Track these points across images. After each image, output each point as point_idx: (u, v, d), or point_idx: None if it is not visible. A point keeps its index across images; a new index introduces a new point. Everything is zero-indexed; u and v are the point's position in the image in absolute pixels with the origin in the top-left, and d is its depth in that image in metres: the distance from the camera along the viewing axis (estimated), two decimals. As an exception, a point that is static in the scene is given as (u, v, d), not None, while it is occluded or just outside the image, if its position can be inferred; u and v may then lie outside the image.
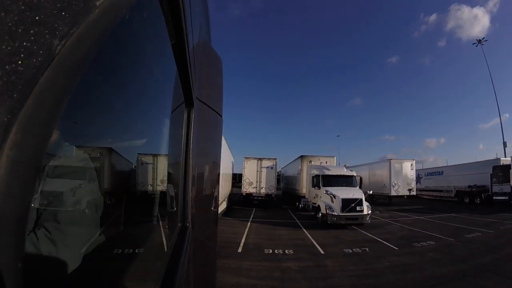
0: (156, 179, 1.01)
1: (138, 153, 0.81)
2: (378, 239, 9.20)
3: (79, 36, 0.24)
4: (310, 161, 16.79)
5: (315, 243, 8.86)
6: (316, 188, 13.17)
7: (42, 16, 0.21)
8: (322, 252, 7.91)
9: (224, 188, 13.16)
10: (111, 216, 0.64)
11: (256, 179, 17.59)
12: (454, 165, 23.92)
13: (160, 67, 0.80)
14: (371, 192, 14.24)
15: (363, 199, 11.35)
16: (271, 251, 7.92)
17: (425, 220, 12.93)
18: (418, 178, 25.86)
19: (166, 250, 0.86)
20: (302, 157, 17.53)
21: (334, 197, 11.50)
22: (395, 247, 8.12)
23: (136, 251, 0.76)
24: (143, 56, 0.64)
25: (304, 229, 10.87)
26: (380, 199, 20.55)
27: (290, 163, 21.11)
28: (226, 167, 13.95)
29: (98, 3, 0.26)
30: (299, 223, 12.31)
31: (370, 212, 11.40)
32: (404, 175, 20.29)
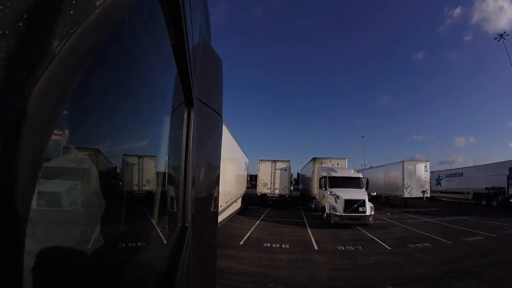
0: (156, 179, 1.01)
1: (138, 153, 0.81)
2: (376, 239, 9.43)
3: (79, 36, 0.24)
4: (321, 163, 17.30)
5: (313, 240, 9.35)
6: (323, 189, 13.63)
7: (42, 16, 0.21)
8: (316, 248, 8.45)
9: (238, 188, 13.21)
10: (111, 216, 0.64)
11: (271, 180, 18.46)
12: (474, 166, 23.41)
13: (160, 67, 0.80)
14: (374, 193, 14.29)
15: (366, 200, 11.59)
16: (269, 244, 8.65)
17: (433, 222, 12.86)
18: (439, 180, 25.90)
19: (166, 250, 0.86)
20: (314, 159, 18.25)
21: (338, 198, 11.84)
22: (388, 247, 8.37)
23: (136, 251, 0.76)
24: (143, 56, 0.64)
25: (308, 228, 11.34)
26: (396, 201, 20.39)
27: (306, 165, 21.69)
28: (239, 168, 14.12)
29: (98, 3, 0.26)
30: (306, 222, 12.73)
31: (373, 213, 11.59)
32: (418, 177, 19.89)
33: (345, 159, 17.90)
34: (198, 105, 1.08)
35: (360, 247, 8.42)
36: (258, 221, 12.87)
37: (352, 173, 13.96)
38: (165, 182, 1.03)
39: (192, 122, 1.04)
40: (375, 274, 6.11)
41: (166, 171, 1.03)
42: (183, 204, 0.99)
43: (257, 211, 15.69)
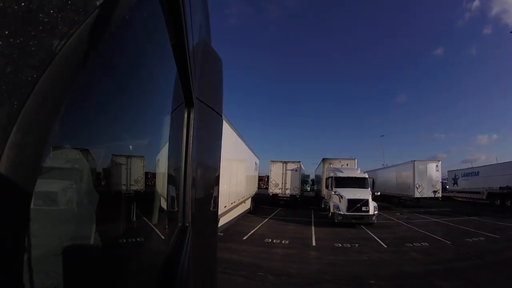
0: (156, 179, 1.01)
1: (138, 153, 0.81)
2: (376, 237, 9.62)
3: (79, 36, 0.24)
4: (330, 164, 17.71)
5: (313, 237, 9.71)
6: (329, 189, 14.07)
7: (42, 16, 0.21)
8: (313, 244, 8.85)
9: (246, 188, 13.22)
10: (111, 216, 0.63)
11: (282, 181, 18.99)
12: (490, 165, 22.82)
13: (160, 67, 0.80)
14: (378, 193, 14.42)
15: (369, 200, 11.78)
16: (270, 240, 9.17)
17: (440, 222, 12.80)
18: (456, 179, 25.49)
19: (166, 250, 0.86)
20: (323, 160, 18.74)
21: (342, 197, 12.18)
22: (385, 246, 8.57)
23: (136, 251, 0.76)
24: (143, 56, 0.64)
25: (313, 226, 11.70)
26: (408, 201, 20.12)
27: (318, 165, 22.17)
28: (248, 168, 14.14)
29: (98, 3, 0.26)
30: (312, 221, 13.11)
31: (376, 212, 11.80)
32: (429, 177, 19.62)
33: (354, 159, 18.13)
34: (198, 105, 1.08)
35: (357, 245, 8.63)
36: (266, 219, 13.36)
37: (358, 173, 14.15)
38: (165, 182, 1.03)
39: (192, 122, 1.04)
40: (363, 270, 6.36)
41: (166, 171, 1.03)
42: (183, 204, 0.99)
43: (268, 210, 16.16)
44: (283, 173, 18.97)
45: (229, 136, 9.02)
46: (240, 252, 7.49)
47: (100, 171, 0.56)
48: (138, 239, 0.82)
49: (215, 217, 1.39)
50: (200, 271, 1.10)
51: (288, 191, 18.76)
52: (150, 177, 0.96)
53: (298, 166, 19.02)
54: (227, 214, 9.50)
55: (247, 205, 14.39)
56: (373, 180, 14.98)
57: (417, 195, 19.34)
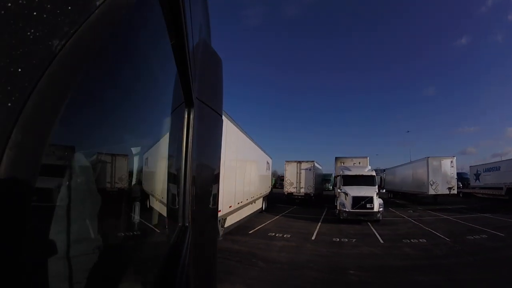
0: (156, 179, 1.01)
1: (138, 153, 0.81)
2: (377, 233, 9.88)
3: (79, 36, 0.24)
4: (343, 162, 18.02)
5: (315, 233, 10.20)
6: (337, 187, 14.69)
7: (42, 16, 0.21)
8: (313, 238, 9.35)
9: (257, 188, 13.19)
10: (111, 216, 0.64)
11: (296, 180, 19.73)
12: (510, 159, 21.36)
13: (160, 67, 0.80)
14: (383, 190, 14.55)
15: (374, 197, 12.08)
16: (274, 234, 9.85)
17: (449, 220, 12.74)
18: (477, 175, 24.30)
19: (166, 249, 0.86)
20: (336, 158, 19.07)
21: (347, 195, 12.63)
22: (381, 241, 8.83)
23: (136, 250, 0.76)
24: (143, 56, 0.64)
25: (319, 223, 12.26)
26: (424, 199, 19.91)
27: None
28: (259, 168, 14.20)
29: (98, 3, 0.26)
30: (321, 218, 13.54)
31: (381, 209, 12.08)
32: (444, 173, 19.07)
33: (366, 157, 18.31)
34: (198, 105, 1.08)
35: (354, 240, 8.99)
36: (277, 216, 14.07)
37: (365, 172, 14.48)
38: (165, 181, 1.03)
39: (192, 122, 1.04)
40: (349, 261, 6.75)
41: (166, 171, 1.03)
42: (183, 203, 0.99)
43: (282, 208, 16.86)
44: (297, 173, 19.62)
45: (233, 136, 8.86)
46: (242, 243, 8.17)
47: (101, 171, 0.56)
48: (138, 239, 0.82)
49: (215, 216, 1.39)
50: (200, 271, 1.10)
51: (302, 190, 19.42)
52: (150, 177, 0.96)
53: (312, 165, 19.60)
54: (234, 214, 9.38)
55: (258, 204, 14.31)
56: (381, 178, 15.29)
57: (431, 192, 18.97)
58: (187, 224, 1.00)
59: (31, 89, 0.20)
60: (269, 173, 18.46)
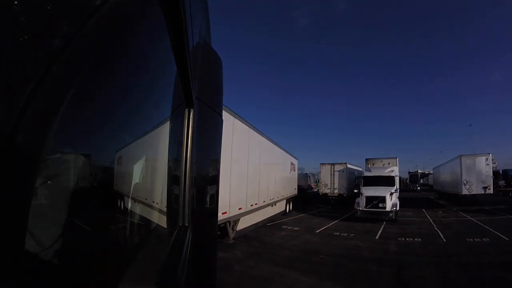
0: (156, 179, 1.01)
1: (138, 153, 0.81)
2: (379, 231, 10.64)
3: (78, 36, 0.24)
4: (373, 164, 18.59)
5: (324, 227, 11.44)
6: (358, 188, 15.53)
7: (42, 16, 0.21)
8: (317, 232, 10.66)
9: (279, 190, 13.04)
10: (111, 217, 0.63)
11: (330, 181, 20.93)
12: None
13: (160, 67, 0.80)
14: (393, 191, 14.74)
15: (386, 197, 12.94)
16: (286, 227, 11.55)
17: (469, 221, 12.56)
18: None
19: (166, 250, 0.86)
20: (366, 160, 19.72)
21: (361, 195, 13.75)
22: (376, 238, 9.65)
23: (136, 251, 0.76)
24: (142, 56, 0.64)
25: (336, 220, 13.39)
26: (464, 199, 18.76)
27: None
28: (283, 169, 14.22)
29: (98, 3, 0.26)
30: (343, 217, 14.40)
31: (395, 209, 12.77)
32: (478, 172, 17.95)
33: (395, 158, 18.53)
34: (198, 105, 1.08)
35: (353, 235, 9.97)
36: (303, 214, 15.43)
37: (385, 172, 15.30)
38: (165, 182, 1.03)
39: (192, 122, 1.04)
40: (327, 248, 8.08)
41: (166, 171, 1.03)
42: (183, 204, 0.99)
43: (314, 208, 18.19)
44: (331, 174, 20.76)
45: (243, 135, 8.50)
46: (256, 231, 9.82)
47: (100, 171, 0.56)
48: (138, 239, 0.82)
49: (215, 217, 1.39)
50: (200, 271, 1.10)
51: (336, 191, 20.43)
52: (150, 177, 0.96)
53: (345, 167, 20.44)
54: (247, 217, 9.04)
55: (280, 207, 14.00)
56: (400, 178, 15.60)
57: (464, 192, 18.21)
58: (187, 224, 1.00)
59: (31, 89, 0.20)
60: (295, 174, 18.24)
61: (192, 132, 1.03)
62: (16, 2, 0.19)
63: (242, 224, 8.97)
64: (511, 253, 6.95)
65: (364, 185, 14.50)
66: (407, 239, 9.29)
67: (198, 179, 1.10)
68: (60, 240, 0.39)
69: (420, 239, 9.14)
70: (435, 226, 11.39)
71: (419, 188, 42.70)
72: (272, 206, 12.14)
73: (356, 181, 16.60)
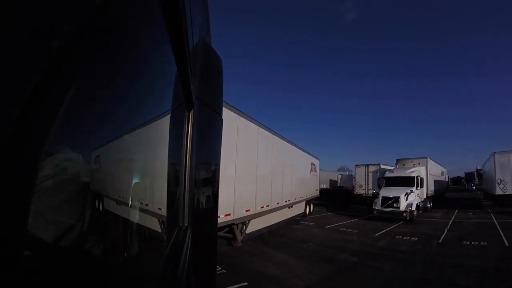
0: (156, 179, 1.01)
1: (138, 154, 0.81)
2: (384, 230, 11.27)
3: (79, 36, 0.24)
4: (403, 164, 18.86)
5: (336, 224, 12.69)
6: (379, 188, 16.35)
7: (42, 16, 0.21)
8: (327, 227, 11.97)
9: (299, 191, 12.84)
10: (111, 217, 0.63)
11: (365, 182, 21.72)
12: None
13: (160, 67, 0.80)
14: (409, 191, 14.68)
15: (401, 197, 13.39)
16: (304, 222, 13.25)
17: (488, 224, 12.04)
18: None
19: (165, 250, 0.86)
20: (397, 160, 20.11)
21: (378, 195, 14.59)
22: (375, 235, 10.32)
23: (136, 251, 0.76)
24: (142, 56, 0.64)
25: (354, 219, 14.38)
26: (507, 199, 16.83)
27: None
28: (302, 170, 13.99)
29: (98, 3, 0.26)
30: (364, 216, 15.15)
31: (410, 209, 13.10)
32: None
33: (425, 158, 18.49)
34: (198, 105, 1.08)
35: (357, 231, 11.00)
36: (328, 213, 16.91)
37: (405, 173, 15.53)
38: (165, 182, 1.03)
39: (192, 123, 1.04)
40: (321, 240, 9.49)
41: (166, 172, 1.03)
42: (183, 204, 0.99)
43: (347, 208, 19.09)
44: (365, 175, 21.52)
45: (250, 134, 8.00)
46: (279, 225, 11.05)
47: (100, 172, 0.56)
48: (138, 239, 0.81)
49: (215, 217, 1.39)
50: (200, 271, 1.10)
51: (370, 191, 21.01)
52: (150, 177, 0.96)
53: (378, 168, 20.89)
54: (260, 219, 8.69)
55: (299, 209, 13.60)
56: (421, 178, 15.53)
57: (498, 192, 16.92)
58: (187, 224, 1.00)
59: (31, 89, 0.20)
60: (316, 175, 17.81)
61: (192, 132, 1.03)
62: (16, 2, 0.19)
63: (254, 226, 8.58)
64: (495, 260, 6.73)
65: (385, 186, 15.04)
66: (404, 237, 9.74)
67: (198, 179, 1.10)
68: (60, 240, 0.39)
69: (416, 239, 9.50)
70: (447, 227, 11.35)
71: (474, 187, 39.84)
72: (289, 208, 11.77)
73: (378, 181, 16.96)
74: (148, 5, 0.55)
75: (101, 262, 0.53)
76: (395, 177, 15.50)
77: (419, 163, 17.79)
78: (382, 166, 20.75)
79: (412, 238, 9.57)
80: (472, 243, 8.67)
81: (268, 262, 6.92)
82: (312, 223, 12.71)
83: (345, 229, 11.39)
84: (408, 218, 12.90)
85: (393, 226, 11.85)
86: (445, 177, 27.12)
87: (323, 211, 17.35)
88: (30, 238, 0.25)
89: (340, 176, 29.26)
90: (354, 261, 7.09)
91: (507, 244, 8.42)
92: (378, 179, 16.87)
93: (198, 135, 1.07)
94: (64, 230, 0.42)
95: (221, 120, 1.37)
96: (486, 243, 8.57)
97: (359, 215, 15.20)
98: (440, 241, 9.06)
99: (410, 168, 16.60)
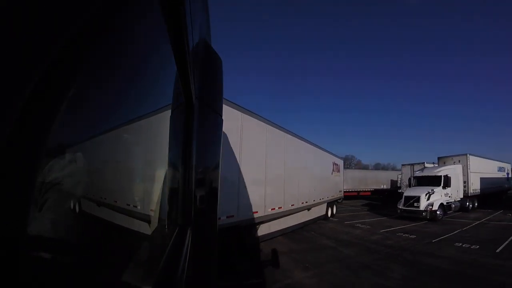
0: (156, 179, 1.01)
1: (138, 154, 0.81)
2: (395, 227, 11.96)
3: (78, 36, 0.24)
4: (444, 162, 18.79)
5: (358, 221, 13.66)
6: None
7: (42, 16, 0.21)
8: (345, 223, 13.16)
9: (319, 193, 12.55)
10: (110, 217, 0.63)
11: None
12: None
13: (160, 67, 0.80)
14: (431, 190, 14.82)
15: (421, 196, 13.64)
16: (333, 219, 14.46)
17: (507, 226, 11.91)
18: None
19: (165, 250, 0.86)
20: (438, 158, 20.02)
21: (403, 194, 15.01)
22: (380, 230, 11.17)
23: (135, 251, 0.76)
24: (142, 56, 0.64)
25: (382, 217, 15.13)
26: None
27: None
28: (322, 171, 13.75)
29: (98, 3, 0.26)
30: (392, 215, 15.54)
31: (432, 208, 13.31)
32: None
33: (465, 155, 17.94)
34: (198, 105, 1.08)
35: (368, 227, 11.94)
36: (364, 212, 17.91)
37: (433, 172, 15.57)
38: (165, 182, 1.03)
39: (192, 123, 1.04)
40: (327, 231, 10.89)
41: (166, 172, 1.03)
42: (183, 204, 0.99)
43: (388, 207, 18.99)
44: (411, 175, 21.28)
45: (259, 134, 7.66)
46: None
47: (100, 172, 0.56)
48: (138, 239, 0.81)
49: (215, 218, 1.39)
50: (200, 271, 1.10)
51: None
52: (150, 177, 0.96)
53: (422, 167, 20.20)
54: (270, 222, 8.31)
55: (319, 211, 13.20)
56: (449, 177, 15.31)
57: None
58: (187, 225, 1.00)
59: (31, 89, 0.20)
60: (339, 175, 17.39)
61: (192, 132, 1.04)
62: (15, 1, 0.19)
63: (265, 230, 8.16)
64: (455, 263, 6.64)
65: (415, 185, 15.25)
66: (404, 235, 10.29)
67: (198, 179, 1.11)
68: (59, 240, 0.39)
69: (414, 237, 9.92)
70: (465, 228, 11.24)
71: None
72: (308, 210, 11.45)
73: (408, 181, 17.04)
74: (148, 5, 0.55)
75: (101, 262, 0.53)
76: (423, 176, 15.57)
77: (459, 161, 17.55)
78: (426, 165, 19.73)
79: (410, 236, 9.96)
80: (463, 245, 8.51)
81: (274, 244, 8.01)
82: (335, 220, 13.91)
83: (360, 225, 12.40)
84: (428, 217, 13.01)
85: (408, 225, 12.24)
86: (507, 174, 24.31)
87: (364, 210, 18.25)
88: (30, 238, 0.25)
89: (400, 176, 28.06)
90: (331, 245, 8.65)
91: (497, 251, 7.85)
92: (409, 178, 16.98)
93: (198, 135, 1.07)
94: (64, 230, 0.42)
95: (221, 120, 1.37)
96: (477, 247, 8.27)
97: (391, 214, 15.31)
98: (433, 240, 9.16)
99: (441, 167, 16.40)
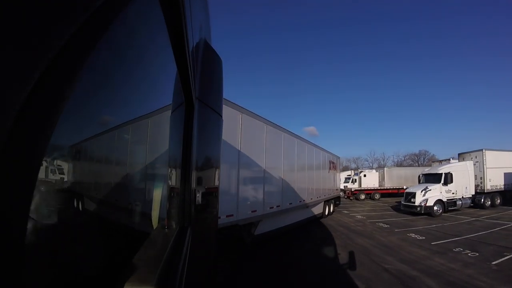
0: (156, 179, 1.01)
1: (138, 154, 0.81)
2: (388, 218, 13.54)
3: (78, 36, 0.24)
4: (463, 158, 18.88)
5: (368, 214, 15.45)
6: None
7: (42, 16, 0.21)
8: (351, 214, 15.16)
9: (316, 191, 12.58)
10: (111, 216, 0.63)
11: None
12: None
13: (160, 67, 0.80)
14: (426, 187, 15.37)
15: (417, 193, 14.72)
16: (344, 211, 16.65)
17: (499, 224, 11.79)
18: None
19: (165, 250, 0.86)
20: (458, 155, 20.04)
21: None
22: (369, 221, 12.86)
23: (135, 251, 0.76)
24: (142, 56, 0.64)
25: (390, 211, 16.62)
26: None
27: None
28: (320, 168, 13.81)
29: (98, 3, 0.26)
30: (399, 209, 16.74)
31: (425, 203, 14.17)
32: None
33: (481, 150, 17.57)
34: (198, 105, 1.08)
35: (365, 217, 13.84)
36: (369, 205, 20.02)
37: (436, 170, 16.41)
38: (165, 182, 1.03)
39: (192, 122, 1.04)
40: (328, 221, 12.61)
41: (166, 172, 1.03)
42: (183, 204, 0.99)
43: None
44: None
45: (257, 133, 7.61)
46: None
47: (100, 171, 0.56)
48: (138, 239, 0.82)
49: (215, 217, 1.39)
50: (200, 271, 1.11)
51: None
52: (150, 177, 0.96)
53: (448, 163, 20.68)
54: (273, 219, 8.28)
55: (317, 209, 13.08)
56: (451, 174, 15.57)
57: None
58: (187, 224, 1.00)
59: (31, 89, 0.20)
60: (335, 173, 17.25)
61: (192, 132, 1.04)
62: (16, 2, 0.19)
63: (263, 228, 8.04)
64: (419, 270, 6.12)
65: (423, 182, 16.14)
66: (383, 225, 11.88)
67: (198, 179, 1.11)
68: (60, 240, 0.39)
69: (388, 226, 11.66)
70: (446, 224, 11.81)
71: None
72: (306, 207, 11.41)
73: (418, 178, 17.55)
74: (148, 5, 0.55)
75: (101, 261, 0.53)
76: (428, 174, 16.50)
77: (475, 156, 17.35)
78: (452, 161, 18.87)
79: (385, 226, 11.65)
80: (413, 235, 9.65)
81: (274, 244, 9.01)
82: (346, 212, 15.75)
83: (360, 217, 14.06)
84: (423, 212, 13.99)
85: (402, 218, 13.55)
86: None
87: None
88: (30, 238, 0.25)
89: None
90: (312, 231, 10.47)
91: (492, 260, 6.64)
92: (418, 176, 17.62)
93: (198, 135, 1.07)
94: (64, 230, 0.42)
95: (221, 120, 1.37)
96: (475, 254, 7.25)
97: (402, 210, 16.25)
98: (429, 237, 9.34)
99: (445, 164, 16.87)
